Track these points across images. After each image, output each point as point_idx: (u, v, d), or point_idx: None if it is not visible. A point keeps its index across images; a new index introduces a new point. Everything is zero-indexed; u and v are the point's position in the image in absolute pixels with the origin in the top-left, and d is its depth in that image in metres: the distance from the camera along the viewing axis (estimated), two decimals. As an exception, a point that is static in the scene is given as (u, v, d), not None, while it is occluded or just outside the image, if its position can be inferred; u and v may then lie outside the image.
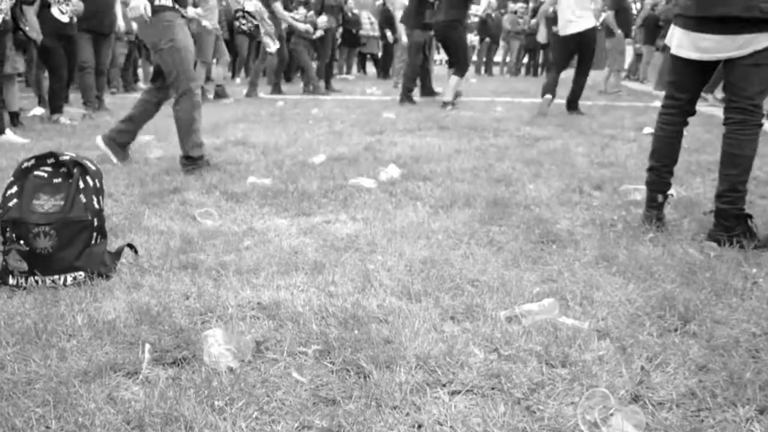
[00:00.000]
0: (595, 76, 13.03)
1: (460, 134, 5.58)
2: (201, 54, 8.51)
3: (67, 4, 6.23)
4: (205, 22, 8.28)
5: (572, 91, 7.22)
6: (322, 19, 10.12)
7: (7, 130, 5.04)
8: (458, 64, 7.89)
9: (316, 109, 7.03)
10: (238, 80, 12.64)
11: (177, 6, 3.73)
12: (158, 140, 5.08)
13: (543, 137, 5.39)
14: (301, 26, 9.69)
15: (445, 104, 7.66)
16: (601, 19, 10.66)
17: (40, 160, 2.36)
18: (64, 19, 6.20)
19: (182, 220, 2.91)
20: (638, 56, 15.45)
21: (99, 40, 6.96)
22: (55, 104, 6.22)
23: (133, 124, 4.12)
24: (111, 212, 2.93)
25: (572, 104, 7.27)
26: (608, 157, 4.47)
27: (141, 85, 11.26)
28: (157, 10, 3.65)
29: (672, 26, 2.89)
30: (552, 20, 16.55)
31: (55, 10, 6.13)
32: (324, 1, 10.38)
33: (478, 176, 3.83)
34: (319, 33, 10.15)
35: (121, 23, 8.57)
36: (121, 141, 4.13)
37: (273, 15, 9.37)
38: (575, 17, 6.80)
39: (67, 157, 2.35)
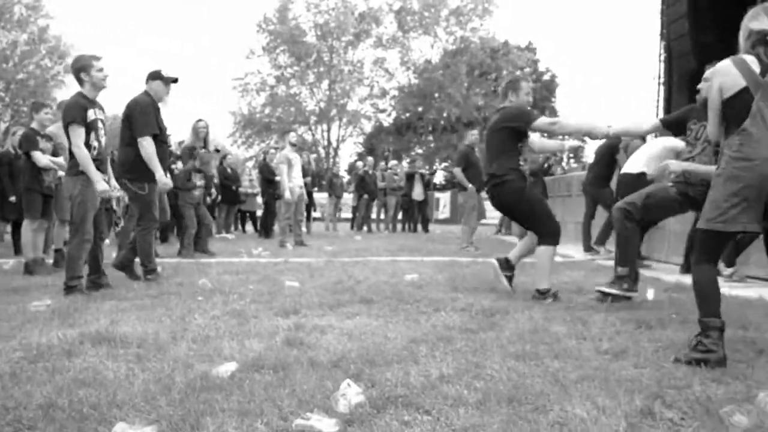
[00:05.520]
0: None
1: (393, 310, 4.28)
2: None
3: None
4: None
5: None
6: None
7: None
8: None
9: (204, 279, 5.54)
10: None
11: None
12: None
13: (495, 309, 4.25)
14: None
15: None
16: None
17: None
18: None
19: None
20: None
21: None
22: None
23: None
24: None
25: None
26: (617, 342, 3.37)
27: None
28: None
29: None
30: (422, 176, 16.52)
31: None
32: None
33: (478, 392, 2.51)
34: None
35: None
36: None
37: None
38: None
39: None
